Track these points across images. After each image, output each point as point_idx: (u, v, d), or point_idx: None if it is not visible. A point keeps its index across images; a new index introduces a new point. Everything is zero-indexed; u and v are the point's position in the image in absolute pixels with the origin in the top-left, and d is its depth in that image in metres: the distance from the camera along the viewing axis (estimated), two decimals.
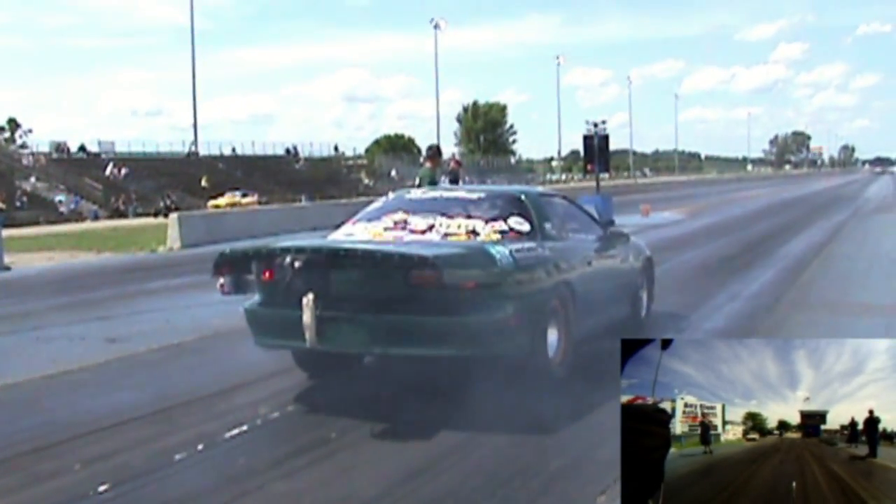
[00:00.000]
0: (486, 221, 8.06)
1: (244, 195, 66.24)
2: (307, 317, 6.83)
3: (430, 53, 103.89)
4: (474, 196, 8.66)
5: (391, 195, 9.42)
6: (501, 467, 5.79)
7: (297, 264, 6.99)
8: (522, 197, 8.66)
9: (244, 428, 6.73)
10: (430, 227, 8.04)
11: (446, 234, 7.93)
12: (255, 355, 9.25)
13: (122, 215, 62.05)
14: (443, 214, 8.20)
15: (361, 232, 8.30)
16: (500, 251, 7.27)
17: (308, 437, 6.52)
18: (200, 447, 6.29)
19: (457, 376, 7.47)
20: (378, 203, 9.11)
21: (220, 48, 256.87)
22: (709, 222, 31.40)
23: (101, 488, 5.52)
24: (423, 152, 18.71)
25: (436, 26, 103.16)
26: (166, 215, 54.12)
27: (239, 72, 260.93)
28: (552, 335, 7.65)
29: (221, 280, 7.72)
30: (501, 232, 7.94)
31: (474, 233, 7.92)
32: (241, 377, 8.41)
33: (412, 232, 8.04)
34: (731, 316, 11.22)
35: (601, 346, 8.78)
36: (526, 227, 8.08)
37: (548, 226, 8.38)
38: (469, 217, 8.14)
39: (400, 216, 8.33)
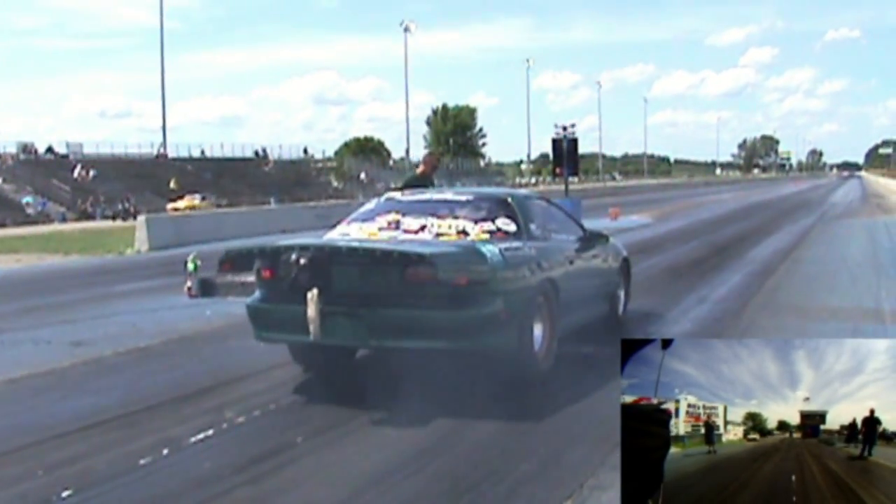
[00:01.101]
0: (475, 222, 8.44)
1: (203, 198, 65.75)
2: (312, 311, 7.14)
3: (399, 56, 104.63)
4: (463, 198, 9.04)
5: (383, 198, 9.71)
6: (469, 470, 5.77)
7: (302, 261, 7.26)
8: (509, 199, 9.03)
9: (210, 432, 6.69)
10: (423, 228, 8.41)
11: (438, 234, 8.30)
12: (220, 359, 9.26)
13: (90, 217, 61.62)
14: (434, 215, 8.57)
15: (356, 232, 8.65)
16: (491, 250, 7.62)
17: (274, 442, 6.47)
18: (165, 452, 6.25)
19: (427, 376, 7.48)
20: (370, 204, 9.48)
21: (189, 50, 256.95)
22: (677, 226, 31.49)
23: (65, 494, 5.47)
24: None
25: (406, 29, 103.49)
26: (125, 219, 53.51)
27: (208, 74, 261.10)
28: (537, 330, 7.95)
29: (189, 283, 7.80)
30: (490, 232, 8.31)
31: (464, 233, 8.29)
32: (206, 381, 8.35)
33: (405, 232, 8.42)
34: (699, 319, 11.25)
35: (579, 346, 8.94)
36: (512, 227, 8.44)
37: (533, 226, 8.75)
38: (459, 218, 8.51)
39: (393, 217, 8.69)
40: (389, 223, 8.60)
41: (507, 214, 8.58)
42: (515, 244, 8.15)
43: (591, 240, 9.93)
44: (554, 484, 5.53)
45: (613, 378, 8.05)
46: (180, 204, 62.65)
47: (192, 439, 6.53)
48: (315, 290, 7.15)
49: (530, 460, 5.93)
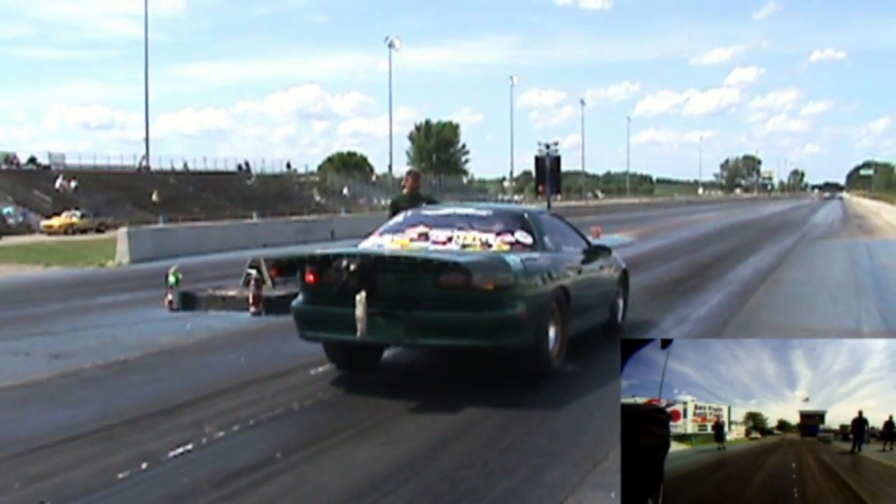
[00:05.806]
0: (497, 234, 9.32)
1: (83, 215, 60.99)
2: (360, 311, 7.90)
3: (384, 72, 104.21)
4: (484, 213, 9.98)
5: (409, 212, 10.46)
6: (448, 488, 5.75)
7: (351, 267, 8.10)
8: (525, 215, 10.02)
9: (189, 447, 6.66)
10: (450, 239, 9.28)
11: (464, 245, 9.14)
12: (200, 373, 9.23)
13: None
14: (458, 228, 9.46)
15: (389, 242, 9.48)
16: (514, 259, 8.49)
17: (253, 457, 6.45)
18: (144, 466, 6.22)
19: (405, 393, 7.47)
20: (399, 218, 10.28)
21: (173, 62, 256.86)
22: (659, 245, 31.57)
23: None
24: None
25: (390, 45, 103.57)
26: None
27: (192, 87, 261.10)
28: (552, 331, 8.82)
29: (170, 297, 7.84)
30: (510, 244, 9.17)
31: (487, 244, 9.16)
32: (186, 395, 8.34)
33: (435, 243, 9.27)
34: (679, 339, 11.26)
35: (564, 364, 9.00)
36: (529, 240, 9.34)
37: (546, 239, 9.64)
38: (481, 231, 9.37)
39: (422, 229, 9.54)
40: (419, 235, 9.42)
41: (524, 228, 9.48)
42: (533, 255, 8.98)
43: (596, 252, 10.75)
44: (533, 503, 5.53)
45: (596, 395, 8.09)
46: (54, 221, 58.83)
47: (171, 454, 6.50)
48: (363, 293, 7.90)
49: (509, 479, 5.92)
